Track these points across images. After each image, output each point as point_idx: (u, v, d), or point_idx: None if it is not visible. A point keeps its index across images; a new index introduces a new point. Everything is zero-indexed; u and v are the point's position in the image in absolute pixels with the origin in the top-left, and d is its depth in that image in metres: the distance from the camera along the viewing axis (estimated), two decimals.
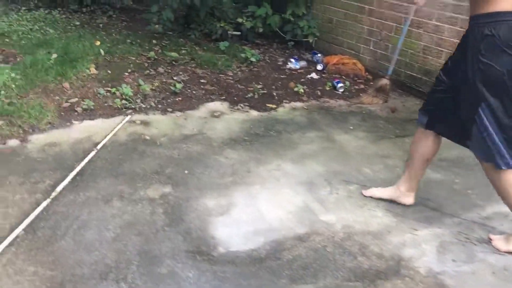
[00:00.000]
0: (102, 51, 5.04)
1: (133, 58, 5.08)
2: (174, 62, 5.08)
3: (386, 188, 2.85)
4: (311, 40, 5.60)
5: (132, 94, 4.12)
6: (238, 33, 5.96)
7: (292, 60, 5.28)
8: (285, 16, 5.51)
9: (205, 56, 5.26)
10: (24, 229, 2.45)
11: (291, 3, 5.59)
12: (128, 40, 5.67)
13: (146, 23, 6.36)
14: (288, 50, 5.87)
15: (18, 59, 4.75)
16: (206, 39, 6.00)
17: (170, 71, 4.86)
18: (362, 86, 4.85)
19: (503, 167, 2.25)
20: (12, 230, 2.43)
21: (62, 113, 3.80)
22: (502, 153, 2.23)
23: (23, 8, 6.63)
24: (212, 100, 4.29)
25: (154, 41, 5.72)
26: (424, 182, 2.91)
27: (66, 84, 4.23)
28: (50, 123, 3.63)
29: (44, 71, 4.37)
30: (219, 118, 3.96)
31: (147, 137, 3.53)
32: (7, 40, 5.29)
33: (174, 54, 5.14)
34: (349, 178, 3.11)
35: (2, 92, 3.94)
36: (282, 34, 5.79)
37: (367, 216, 2.71)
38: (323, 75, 5.09)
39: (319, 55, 5.51)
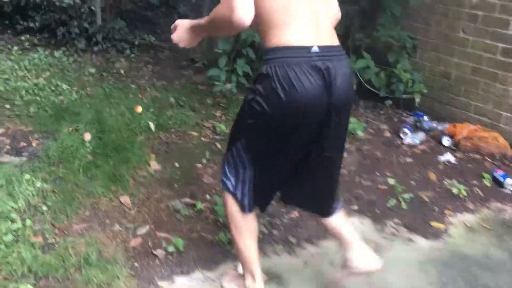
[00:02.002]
0: (151, 125, 3.54)
1: (196, 134, 3.61)
2: None
3: None
4: (418, 99, 4.25)
5: None
6: None
7: (406, 131, 3.92)
8: (393, 69, 4.14)
9: None
10: None
11: (391, 51, 4.24)
12: (172, 99, 4.18)
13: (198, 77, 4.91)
14: (382, 110, 4.51)
15: (34, 144, 3.19)
16: None
17: None
18: None
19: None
20: None
21: (136, 264, 2.29)
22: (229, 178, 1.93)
23: (15, 48, 5.00)
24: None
25: (208, 100, 4.25)
26: None
27: (126, 198, 2.72)
28: None
29: (84, 170, 2.85)
30: (379, 258, 2.54)
31: None
32: (7, 106, 3.69)
33: None
34: None
35: (28, 222, 2.41)
36: (369, 87, 4.42)
37: None
38: (456, 154, 3.74)
39: (425, 117, 4.18)
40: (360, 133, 3.79)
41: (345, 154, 3.56)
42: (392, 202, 3.01)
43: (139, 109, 3.79)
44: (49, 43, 5.30)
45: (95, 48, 5.34)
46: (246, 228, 1.95)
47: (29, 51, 4.97)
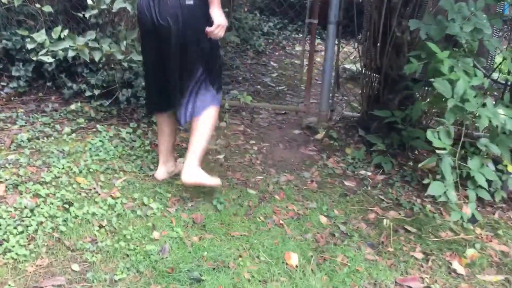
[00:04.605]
0: None
1: None
2: None
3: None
4: None
5: None
6: None
7: None
8: None
9: None
10: None
11: None
12: (321, 216, 2.64)
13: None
14: None
15: None
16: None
17: None
18: None
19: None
20: None
21: None
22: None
23: (66, 129, 3.49)
24: None
25: (383, 220, 2.67)
26: None
27: None
28: None
29: None
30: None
31: None
32: (75, 267, 2.17)
33: None
34: None
35: None
36: None
37: None
38: None
39: None
40: None
41: None
42: None
43: (293, 259, 2.23)
44: (110, 114, 3.79)
45: None
46: (158, 128, 2.89)
47: (86, 132, 3.49)
